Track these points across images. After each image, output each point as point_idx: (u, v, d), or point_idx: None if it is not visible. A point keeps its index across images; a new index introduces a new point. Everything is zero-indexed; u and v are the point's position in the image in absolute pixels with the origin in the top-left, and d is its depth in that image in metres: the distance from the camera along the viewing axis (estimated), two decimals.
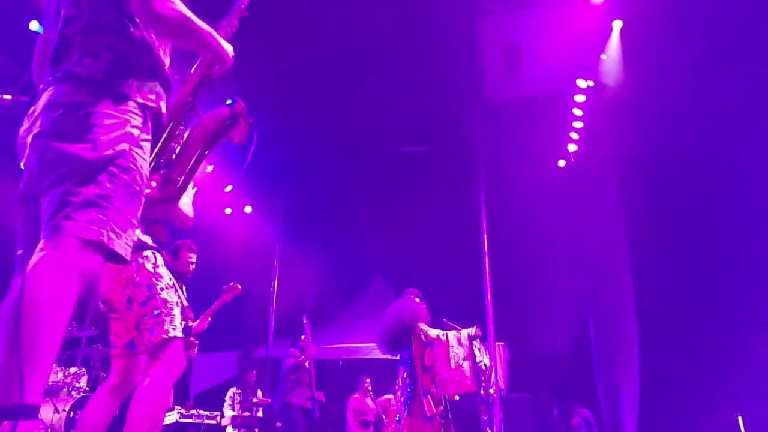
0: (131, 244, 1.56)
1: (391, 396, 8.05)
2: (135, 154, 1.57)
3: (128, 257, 1.54)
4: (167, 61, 1.80)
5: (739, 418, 6.92)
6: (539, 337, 11.11)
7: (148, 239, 2.73)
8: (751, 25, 6.86)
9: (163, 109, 1.72)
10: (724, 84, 7.20)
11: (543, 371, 10.48)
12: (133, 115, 1.59)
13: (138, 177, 1.58)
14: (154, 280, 2.60)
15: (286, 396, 6.00)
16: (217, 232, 10.22)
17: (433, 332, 5.10)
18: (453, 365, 4.93)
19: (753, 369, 7.16)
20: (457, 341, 5.06)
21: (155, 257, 2.69)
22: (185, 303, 4.42)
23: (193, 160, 1.94)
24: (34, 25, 6.92)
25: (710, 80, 7.22)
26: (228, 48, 1.91)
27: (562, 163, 10.43)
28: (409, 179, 10.27)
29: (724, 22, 6.86)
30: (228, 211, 11.20)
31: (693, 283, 7.84)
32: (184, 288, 4.61)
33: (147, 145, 1.64)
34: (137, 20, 1.66)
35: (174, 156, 1.91)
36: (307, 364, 6.29)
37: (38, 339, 1.32)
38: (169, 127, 1.92)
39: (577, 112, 9.34)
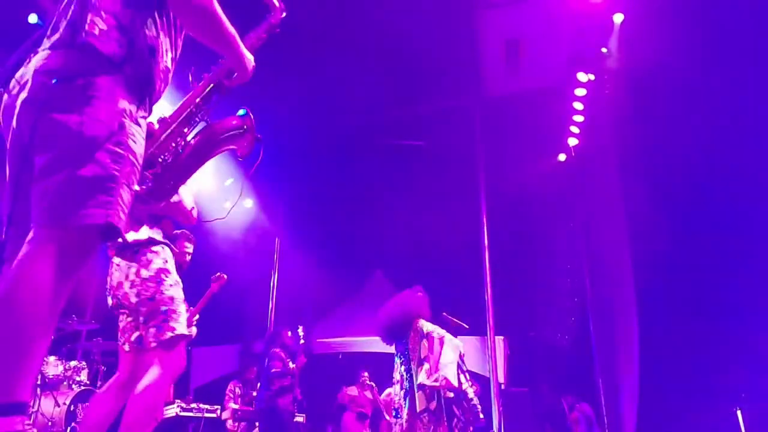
0: (125, 222, 1.50)
1: (391, 390, 8.07)
2: (134, 131, 1.50)
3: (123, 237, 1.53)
4: (171, 54, 1.73)
5: (738, 412, 6.94)
6: (539, 331, 11.13)
7: (158, 234, 2.72)
8: (753, 18, 6.83)
9: (157, 89, 1.65)
10: (726, 77, 7.18)
11: (542, 365, 10.50)
12: (131, 90, 1.52)
13: (139, 156, 1.52)
14: (162, 275, 2.59)
15: (272, 399, 6.03)
16: (216, 226, 10.22)
17: (429, 326, 5.12)
18: (441, 362, 4.94)
19: (752, 363, 7.18)
20: (450, 343, 5.08)
21: (165, 252, 2.68)
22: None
23: (191, 165, 1.89)
24: (33, 18, 6.89)
25: (711, 73, 7.19)
26: (249, 57, 1.87)
27: (562, 157, 10.42)
28: (409, 173, 10.26)
29: (725, 15, 6.84)
30: (227, 205, 11.18)
31: (693, 277, 7.84)
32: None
33: (144, 123, 1.58)
34: (151, 2, 1.61)
35: (171, 156, 1.85)
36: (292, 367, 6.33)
37: (27, 337, 1.27)
38: (174, 126, 1.87)
39: (578, 105, 9.32)
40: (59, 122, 1.38)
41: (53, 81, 1.41)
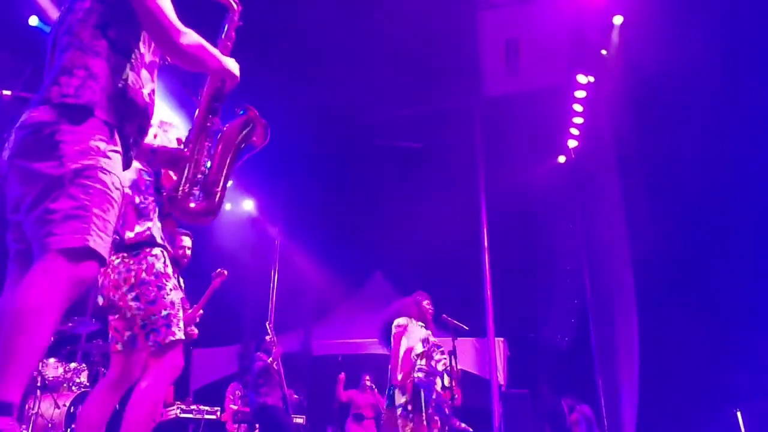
0: (109, 247, 1.64)
1: None
2: (103, 164, 1.64)
3: (107, 259, 1.64)
4: (148, 89, 1.89)
5: (738, 413, 6.94)
6: (539, 333, 11.13)
7: (159, 235, 2.72)
8: (752, 19, 6.84)
9: (125, 129, 1.79)
10: (725, 79, 7.19)
11: (542, 367, 10.50)
12: (98, 130, 1.66)
13: (111, 184, 1.66)
14: (164, 280, 2.59)
15: (261, 398, 6.07)
16: (217, 227, 10.22)
17: (401, 321, 5.17)
18: (401, 353, 4.99)
19: (752, 364, 7.18)
20: (409, 333, 5.10)
21: (164, 256, 2.68)
22: (182, 294, 4.43)
23: (225, 171, 2.09)
24: (33, 21, 6.90)
25: (710, 75, 7.21)
26: (232, 64, 2.08)
27: (562, 158, 10.43)
28: (409, 175, 10.26)
29: (724, 17, 6.85)
30: (228, 206, 11.21)
31: (693, 278, 7.84)
32: (181, 279, 4.60)
33: (116, 156, 1.72)
34: (117, 45, 1.77)
35: (207, 170, 2.07)
36: (275, 365, 6.38)
37: (22, 344, 1.42)
38: (198, 144, 2.08)
39: (578, 107, 9.33)
40: (33, 168, 1.58)
41: (25, 134, 1.62)
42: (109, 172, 1.65)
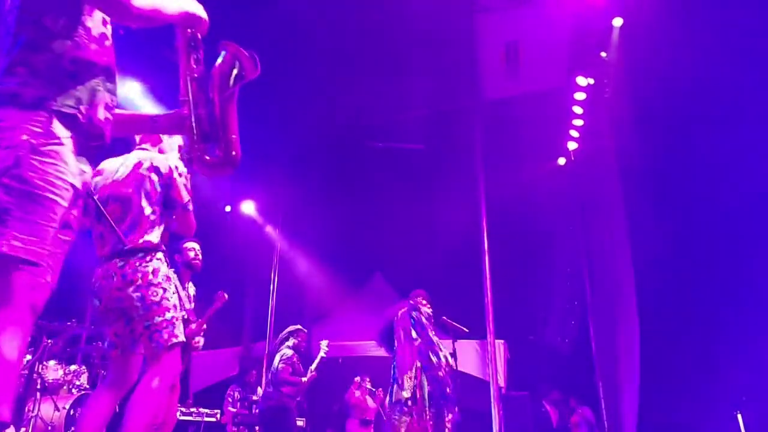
0: (48, 247, 1.56)
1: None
2: (33, 162, 1.56)
3: (42, 261, 1.55)
4: (104, 59, 1.80)
5: (739, 416, 6.93)
6: (539, 335, 11.13)
7: (163, 243, 2.76)
8: (753, 21, 6.85)
9: (82, 112, 1.70)
10: (725, 80, 7.19)
11: (543, 369, 10.50)
12: (34, 124, 1.59)
13: (42, 182, 1.57)
14: (168, 283, 2.63)
15: (282, 398, 6.01)
16: (217, 230, 10.22)
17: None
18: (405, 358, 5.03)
19: (752, 366, 7.18)
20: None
21: (165, 261, 2.72)
22: (189, 305, 4.44)
23: (230, 114, 2.05)
24: None
25: (711, 77, 7.21)
26: (193, 6, 1.98)
27: (562, 160, 10.44)
28: (409, 177, 10.27)
29: (724, 19, 6.85)
30: (228, 208, 11.23)
31: (693, 280, 7.84)
32: (191, 284, 4.60)
33: (56, 149, 1.62)
34: (57, 32, 1.68)
35: (212, 119, 2.02)
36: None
37: None
38: (195, 99, 2.01)
39: (577, 109, 9.33)
40: None
41: None
42: (41, 169, 1.57)
